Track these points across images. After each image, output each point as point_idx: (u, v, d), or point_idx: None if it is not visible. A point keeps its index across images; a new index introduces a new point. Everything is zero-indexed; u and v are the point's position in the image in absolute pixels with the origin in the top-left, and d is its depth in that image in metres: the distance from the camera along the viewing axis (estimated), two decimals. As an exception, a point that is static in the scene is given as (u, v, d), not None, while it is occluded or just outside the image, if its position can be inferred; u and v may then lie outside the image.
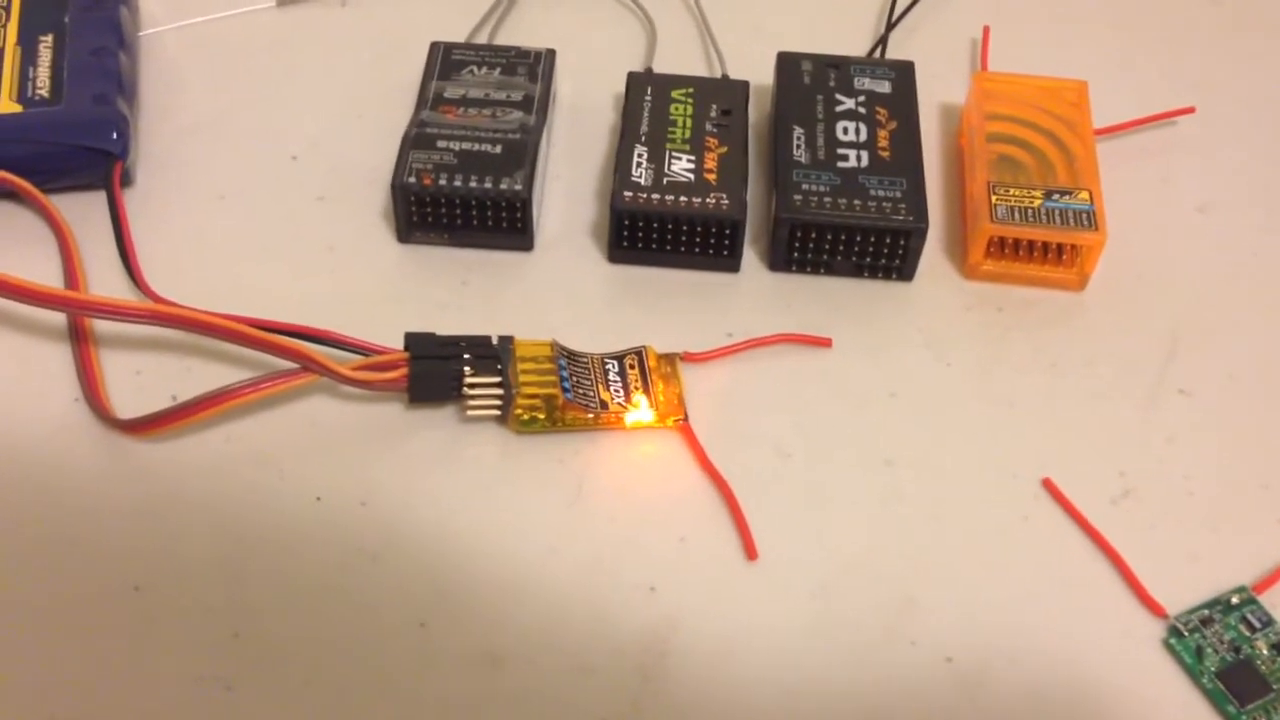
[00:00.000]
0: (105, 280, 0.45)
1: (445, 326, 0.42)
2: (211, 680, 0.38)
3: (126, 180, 0.48)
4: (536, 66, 0.49)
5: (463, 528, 0.40)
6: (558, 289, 0.46)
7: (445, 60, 0.49)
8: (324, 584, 0.39)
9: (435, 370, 0.41)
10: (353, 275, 0.46)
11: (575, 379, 0.42)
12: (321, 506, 0.40)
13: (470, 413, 0.41)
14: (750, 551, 0.40)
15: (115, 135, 0.47)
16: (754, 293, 0.46)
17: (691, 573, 0.40)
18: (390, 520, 0.40)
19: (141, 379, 0.43)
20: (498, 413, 0.41)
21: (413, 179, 0.45)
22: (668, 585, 0.39)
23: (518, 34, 0.53)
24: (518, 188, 0.45)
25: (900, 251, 0.47)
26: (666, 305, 0.46)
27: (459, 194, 0.45)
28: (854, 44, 0.54)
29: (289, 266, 0.46)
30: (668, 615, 0.39)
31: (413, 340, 0.42)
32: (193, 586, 0.39)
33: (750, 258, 0.47)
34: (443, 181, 0.45)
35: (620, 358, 0.43)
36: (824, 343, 0.45)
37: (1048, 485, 0.43)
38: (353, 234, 0.47)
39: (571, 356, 0.42)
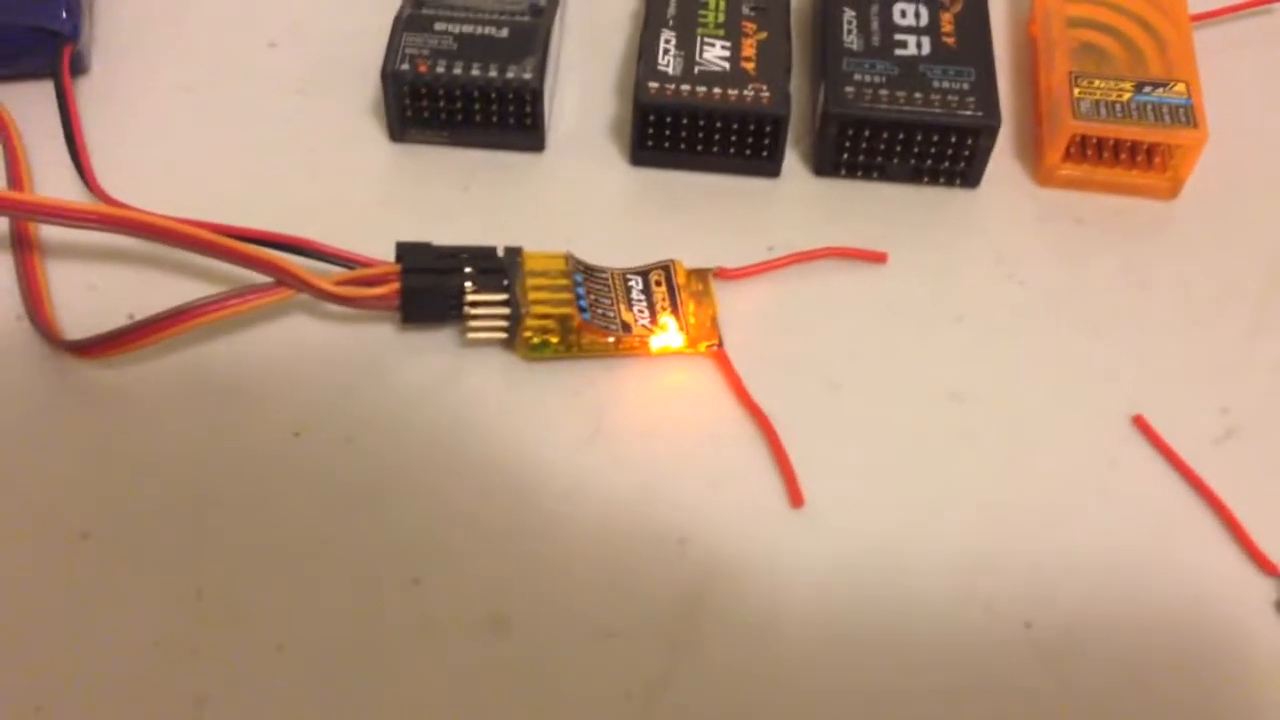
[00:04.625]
0: (54, 180, 0.41)
1: (444, 237, 0.38)
2: (171, 644, 0.34)
3: (79, 67, 0.44)
4: (548, -62, 0.45)
5: (463, 470, 0.36)
6: (573, 194, 0.42)
7: (444, -69, 0.45)
8: (301, 534, 0.35)
9: (431, 285, 0.37)
10: (338, 179, 0.42)
11: (593, 297, 0.38)
12: (300, 444, 0.37)
13: (471, 335, 0.37)
14: (795, 497, 0.36)
15: (64, 14, 0.43)
16: (797, 200, 0.42)
17: (727, 522, 0.36)
18: (379, 460, 0.36)
19: (94, 295, 0.39)
20: (503, 335, 0.37)
21: (406, 66, 0.41)
22: (700, 537, 0.36)
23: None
24: (527, 77, 0.41)
25: (967, 153, 0.42)
26: (697, 214, 0.42)
27: (459, 84, 0.41)
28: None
29: (265, 169, 0.42)
30: (700, 572, 0.35)
31: (406, 251, 0.38)
32: (149, 535, 0.35)
33: (793, 160, 0.43)
34: (440, 69, 0.41)
35: (645, 273, 0.39)
36: (878, 258, 0.41)
37: (1139, 424, 0.39)
38: (338, 132, 0.43)
39: (589, 271, 0.39)
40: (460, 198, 0.42)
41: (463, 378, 0.38)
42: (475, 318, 0.38)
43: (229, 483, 0.36)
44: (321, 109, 0.44)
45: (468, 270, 0.37)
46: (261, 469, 0.36)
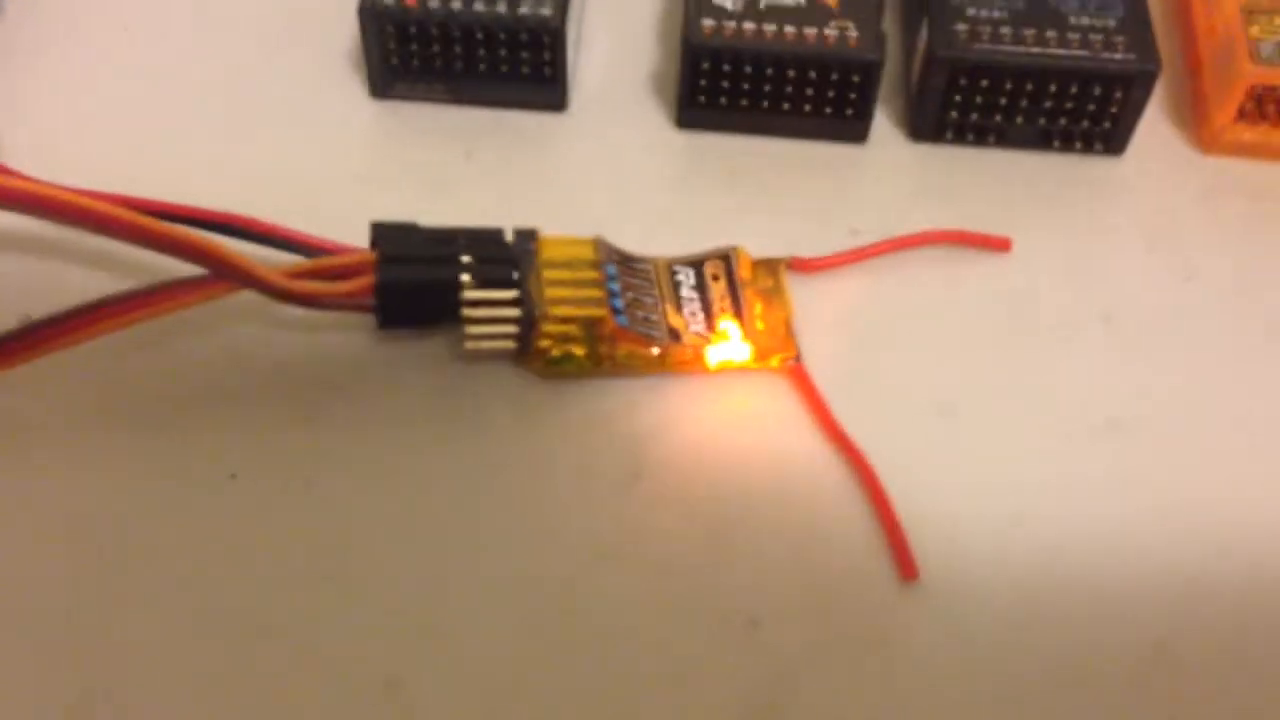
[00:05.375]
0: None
1: (438, 217, 0.33)
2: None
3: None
4: None
5: (458, 526, 0.31)
6: (604, 164, 0.38)
7: None
8: (238, 620, 0.30)
9: (417, 279, 0.32)
10: (305, 144, 0.38)
11: (631, 295, 0.33)
12: (238, 490, 0.31)
13: (471, 345, 0.32)
14: (905, 567, 0.30)
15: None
16: (891, 172, 0.38)
17: (813, 601, 0.30)
18: (345, 514, 0.31)
19: (-18, 290, 0.34)
20: (513, 345, 0.33)
21: (391, 1, 0.36)
22: (776, 619, 0.30)
23: None
24: (545, 13, 0.36)
25: (1113, 109, 0.36)
26: (763, 189, 0.37)
27: (459, 22, 0.36)
28: None
29: (212, 131, 0.38)
30: (776, 668, 0.29)
31: (384, 234, 0.33)
32: (35, 616, 0.30)
33: (885, 121, 0.38)
34: (435, 4, 0.36)
35: (698, 264, 0.34)
36: (999, 245, 0.36)
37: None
38: (308, 85, 0.39)
39: (626, 262, 0.34)
40: (460, 168, 0.38)
41: (459, 402, 0.33)
42: (476, 322, 0.32)
43: (141, 546, 0.30)
44: (289, 58, 0.40)
45: (465, 260, 0.32)
46: (186, 525, 0.31)
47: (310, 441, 0.32)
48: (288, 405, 0.32)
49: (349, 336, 0.33)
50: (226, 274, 0.31)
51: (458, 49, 0.37)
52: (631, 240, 0.34)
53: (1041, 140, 0.37)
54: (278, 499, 0.31)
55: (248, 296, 0.31)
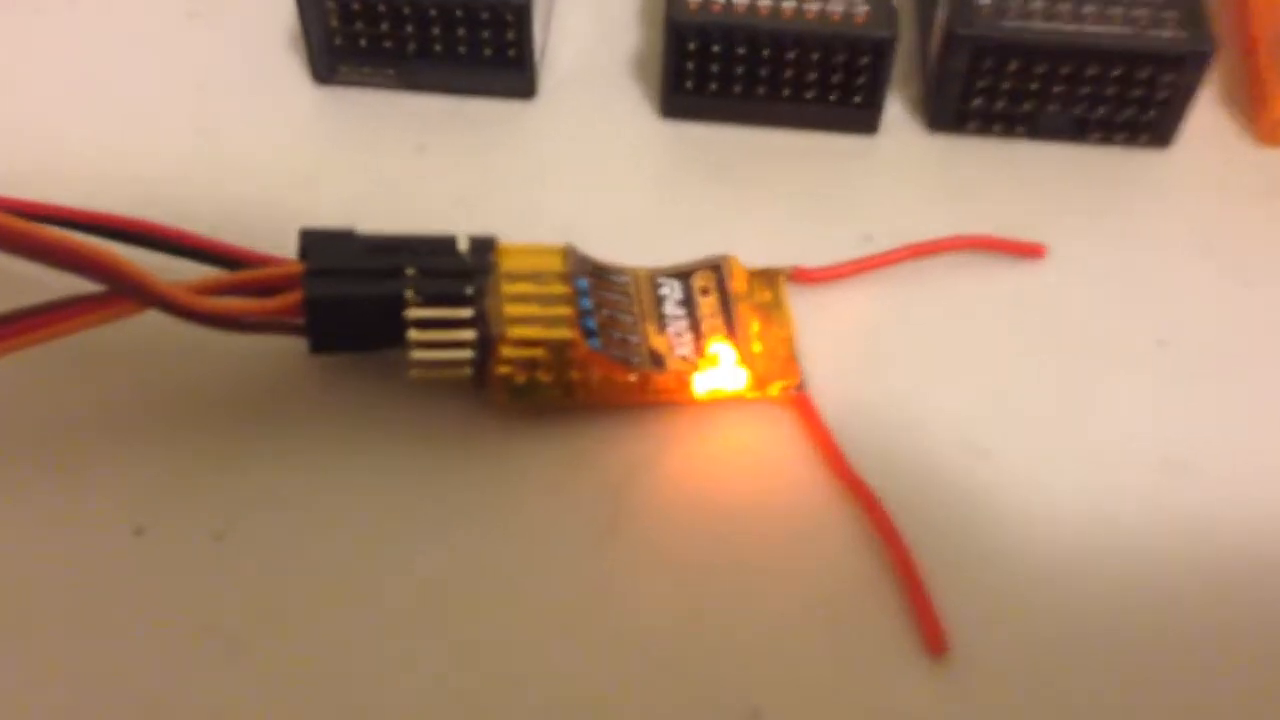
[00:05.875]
0: None
1: (383, 220, 0.30)
2: None
3: None
4: None
5: (395, 591, 0.27)
6: (576, 160, 0.35)
7: None
8: (136, 695, 0.26)
9: (352, 295, 0.29)
10: (235, 136, 0.35)
11: (606, 313, 0.30)
12: (144, 546, 0.27)
13: (417, 373, 0.29)
14: (933, 640, 0.26)
15: None
16: (906, 167, 0.35)
17: (826, 683, 0.26)
18: (263, 574, 0.27)
19: None
20: (468, 373, 0.29)
21: None
22: (783, 708, 0.26)
23: None
24: None
25: (1161, 95, 0.33)
26: (759, 188, 0.34)
27: None
28: None
29: (120, 118, 0.35)
30: None
31: (314, 243, 0.29)
32: None
33: (899, 109, 0.35)
34: None
35: (685, 276, 0.31)
36: (1031, 251, 0.33)
37: None
38: (240, 67, 0.36)
39: (600, 274, 0.31)
40: (410, 164, 0.35)
41: (403, 441, 0.30)
42: (423, 346, 0.29)
43: (21, 618, 0.27)
44: (218, 38, 0.37)
45: (410, 272, 0.29)
46: (76, 588, 0.27)
47: (227, 488, 0.28)
48: (201, 445, 0.28)
49: (276, 363, 0.30)
50: (125, 290, 0.27)
51: (410, 28, 0.34)
52: (607, 248, 0.31)
53: (1078, 131, 0.34)
54: (186, 555, 0.27)
55: (156, 318, 0.27)
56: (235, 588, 0.26)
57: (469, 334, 0.28)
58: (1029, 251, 0.32)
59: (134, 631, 0.26)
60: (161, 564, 0.26)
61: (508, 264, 0.29)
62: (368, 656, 0.25)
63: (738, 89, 0.34)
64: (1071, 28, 0.32)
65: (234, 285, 0.28)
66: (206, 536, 0.27)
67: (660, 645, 0.26)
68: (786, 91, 0.33)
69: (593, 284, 0.29)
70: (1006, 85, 0.33)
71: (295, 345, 0.28)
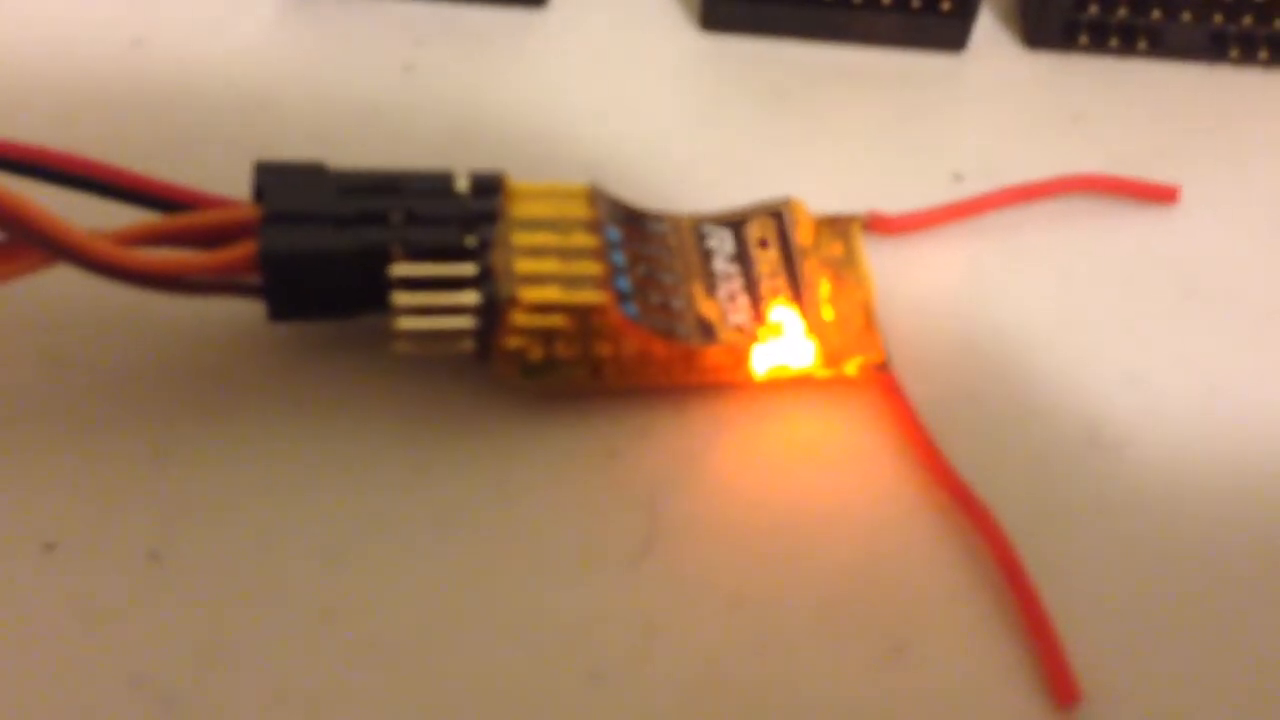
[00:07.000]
0: None
1: (363, 154, 0.27)
2: None
3: None
4: None
5: (379, 619, 0.23)
6: (599, 81, 0.31)
7: None
8: None
9: (320, 248, 0.24)
10: (180, 43, 0.31)
11: (643, 271, 0.26)
12: (56, 565, 0.23)
13: (403, 346, 0.25)
14: (1062, 688, 0.22)
15: None
16: (1003, 92, 0.31)
17: None
18: (212, 603, 0.23)
19: None
20: (469, 346, 0.25)
21: None
22: None
23: None
24: None
25: None
26: (826, 117, 0.31)
27: None
28: None
29: (52, 19, 0.31)
30: None
31: (273, 180, 0.25)
32: None
33: (991, 21, 0.32)
34: None
35: (738, 224, 0.27)
36: (1162, 195, 0.29)
37: None
38: None
39: (633, 222, 0.27)
40: (399, 83, 0.31)
41: (389, 431, 0.26)
42: (411, 312, 0.25)
43: None
44: None
45: (396, 218, 0.25)
46: None
47: (164, 495, 0.23)
48: (130, 440, 0.24)
49: (227, 333, 0.25)
50: (29, 238, 0.22)
51: (395, -84, 0.28)
52: (641, 189, 0.27)
53: (1215, 47, 0.30)
54: (110, 579, 0.22)
55: (70, 274, 0.23)
56: (175, 621, 0.22)
57: (470, 297, 0.24)
58: (1158, 195, 0.28)
59: (39, 679, 0.21)
60: (77, 589, 0.22)
61: (519, 209, 0.25)
62: (335, 703, 0.21)
63: (795, -4, 0.29)
64: (1210, -83, 0.27)
65: (171, 234, 0.24)
66: (139, 555, 0.22)
67: (706, 692, 0.21)
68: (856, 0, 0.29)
69: (625, 235, 0.25)
70: (1125, -8, 0.28)
71: (250, 311, 0.24)
